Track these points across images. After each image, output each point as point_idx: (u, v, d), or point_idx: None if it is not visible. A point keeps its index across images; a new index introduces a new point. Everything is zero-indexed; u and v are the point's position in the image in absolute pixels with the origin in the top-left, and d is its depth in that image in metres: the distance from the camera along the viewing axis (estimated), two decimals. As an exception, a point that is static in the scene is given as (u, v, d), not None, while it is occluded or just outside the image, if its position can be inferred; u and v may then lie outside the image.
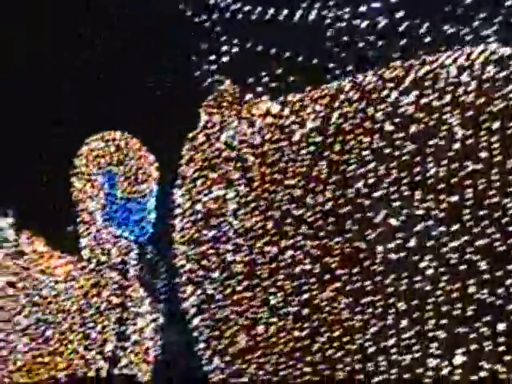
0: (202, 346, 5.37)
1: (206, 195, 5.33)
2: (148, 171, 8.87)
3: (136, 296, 8.78)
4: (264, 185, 4.84)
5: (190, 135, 5.99)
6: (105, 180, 8.72)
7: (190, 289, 5.36)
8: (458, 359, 4.48)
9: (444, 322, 4.45)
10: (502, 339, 4.41)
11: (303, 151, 4.76)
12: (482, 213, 4.28)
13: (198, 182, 5.50)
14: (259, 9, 5.41)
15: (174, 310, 9.44)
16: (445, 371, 4.51)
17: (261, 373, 4.69)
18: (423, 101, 4.47)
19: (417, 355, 4.45)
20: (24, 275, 8.88)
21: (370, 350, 4.41)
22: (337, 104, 4.77)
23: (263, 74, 5.54)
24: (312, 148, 4.67)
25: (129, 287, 8.71)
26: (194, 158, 5.70)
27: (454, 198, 4.36)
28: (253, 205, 4.81)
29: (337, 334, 4.38)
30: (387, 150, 4.47)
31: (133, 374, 8.77)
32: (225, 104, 5.97)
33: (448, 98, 4.47)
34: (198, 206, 5.35)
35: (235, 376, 4.99)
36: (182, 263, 5.38)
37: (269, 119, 5.22)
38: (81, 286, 8.62)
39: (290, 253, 4.49)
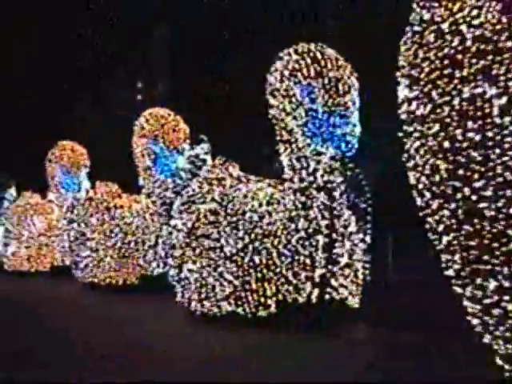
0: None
1: (456, 96, 4.46)
2: (349, 81, 8.11)
3: (344, 216, 8.18)
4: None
5: (410, 35, 5.11)
6: (304, 94, 8.05)
7: (437, 203, 4.56)
8: None
9: None
10: None
11: None
12: None
13: (440, 83, 4.64)
14: None
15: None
16: None
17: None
18: None
19: None
20: (224, 201, 8.48)
21: None
22: None
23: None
24: None
25: (336, 207, 8.11)
26: (427, 57, 4.83)
27: None
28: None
29: None
30: None
31: (344, 298, 8.26)
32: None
33: None
34: (445, 109, 4.50)
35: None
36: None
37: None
38: (285, 208, 8.11)
39: None
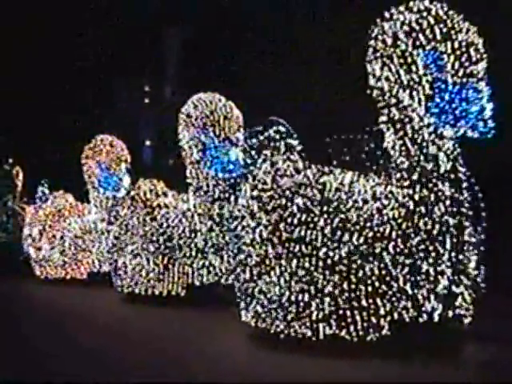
0: None
1: None
2: (479, 47, 5.90)
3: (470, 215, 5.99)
4: None
5: None
6: (429, 61, 5.82)
7: None
8: None
9: None
10: None
11: None
12: None
13: None
14: None
15: None
16: None
17: None
18: None
19: None
20: (316, 197, 6.19)
21: None
22: None
23: None
24: None
25: (463, 203, 5.92)
26: None
27: None
28: None
29: None
30: None
31: (462, 314, 6.06)
32: None
33: None
34: None
35: None
36: None
37: None
38: (401, 204, 5.88)
39: None
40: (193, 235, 9.10)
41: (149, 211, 9.24)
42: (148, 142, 24.79)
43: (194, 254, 9.10)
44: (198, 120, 9.11)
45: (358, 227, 5.87)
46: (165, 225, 9.16)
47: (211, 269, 9.09)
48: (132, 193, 9.48)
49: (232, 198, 8.67)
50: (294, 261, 6.02)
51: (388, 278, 5.77)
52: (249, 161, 7.07)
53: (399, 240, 5.79)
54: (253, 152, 7.12)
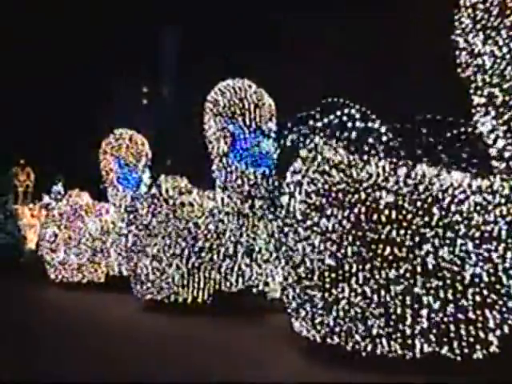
0: None
1: None
2: None
3: None
4: None
5: None
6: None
7: None
8: None
9: None
10: None
11: None
12: None
13: None
14: None
15: None
16: None
17: None
18: None
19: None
20: (403, 192, 5.08)
21: None
22: None
23: None
24: None
25: None
26: None
27: None
28: None
29: None
30: None
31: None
32: None
33: None
34: None
35: None
36: None
37: None
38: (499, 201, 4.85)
39: None
40: (220, 236, 7.92)
41: (171, 210, 8.01)
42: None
43: (221, 257, 7.90)
44: (226, 108, 7.93)
45: (460, 226, 4.80)
46: (189, 225, 7.94)
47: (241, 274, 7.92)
48: (153, 190, 8.22)
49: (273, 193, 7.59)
50: (384, 266, 4.91)
51: (498, 286, 4.72)
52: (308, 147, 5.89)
53: (510, 240, 4.74)
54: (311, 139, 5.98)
